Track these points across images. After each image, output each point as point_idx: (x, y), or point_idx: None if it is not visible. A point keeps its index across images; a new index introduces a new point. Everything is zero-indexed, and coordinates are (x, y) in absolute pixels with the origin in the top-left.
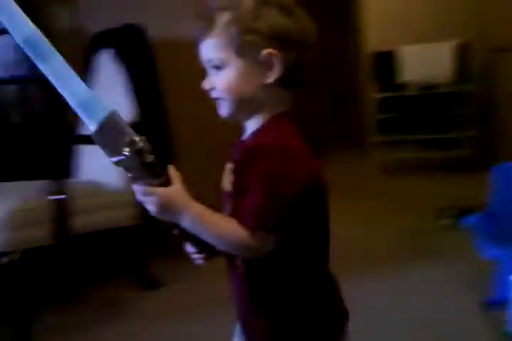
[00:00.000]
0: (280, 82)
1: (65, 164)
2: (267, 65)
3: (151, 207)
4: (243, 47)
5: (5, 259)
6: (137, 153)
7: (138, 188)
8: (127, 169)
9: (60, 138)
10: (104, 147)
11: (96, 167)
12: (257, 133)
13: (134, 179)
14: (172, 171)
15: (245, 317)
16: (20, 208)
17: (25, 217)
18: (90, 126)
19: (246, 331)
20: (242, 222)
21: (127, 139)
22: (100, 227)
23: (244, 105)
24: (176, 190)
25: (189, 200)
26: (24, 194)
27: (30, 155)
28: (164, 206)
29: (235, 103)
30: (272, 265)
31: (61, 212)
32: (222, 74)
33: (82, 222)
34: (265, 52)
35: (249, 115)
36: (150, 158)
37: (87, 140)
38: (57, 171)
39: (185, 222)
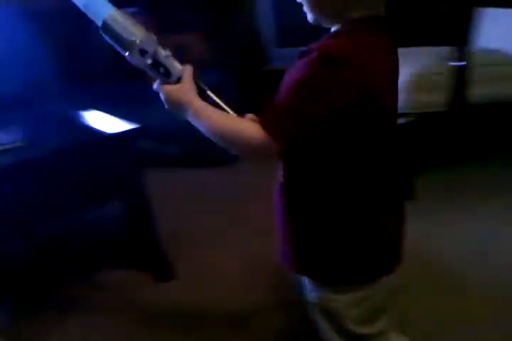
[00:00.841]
0: None
1: (465, 30)
2: None
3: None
4: None
5: (401, 120)
6: (140, 54)
7: (154, 85)
8: (137, 68)
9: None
10: (114, 45)
11: (496, 34)
12: (324, 39)
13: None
14: (185, 70)
15: (280, 230)
16: (419, 73)
17: (424, 81)
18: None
19: (281, 249)
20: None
21: (126, 41)
22: (498, 99)
23: (323, 8)
24: (180, 87)
25: (193, 97)
26: (425, 59)
27: (433, 20)
28: (170, 101)
29: (318, 5)
30: (311, 182)
31: (459, 79)
32: None
33: (479, 92)
34: None
35: (332, 20)
36: (150, 60)
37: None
38: (458, 37)
39: (189, 116)
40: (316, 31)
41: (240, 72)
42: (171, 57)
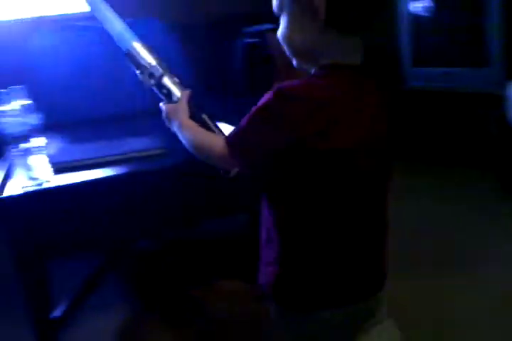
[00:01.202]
0: (331, 25)
1: None
2: (313, 7)
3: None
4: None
5: None
6: (148, 76)
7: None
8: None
9: None
10: (132, 66)
11: None
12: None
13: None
14: (184, 94)
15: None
16: None
17: None
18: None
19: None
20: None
21: (140, 65)
22: None
23: (299, 53)
24: (174, 106)
25: (182, 115)
26: None
27: None
28: (164, 116)
29: (293, 52)
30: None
31: None
32: (281, 20)
33: None
34: None
35: (309, 65)
36: (154, 82)
37: None
38: None
39: (175, 129)
40: (452, 52)
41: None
42: (176, 83)
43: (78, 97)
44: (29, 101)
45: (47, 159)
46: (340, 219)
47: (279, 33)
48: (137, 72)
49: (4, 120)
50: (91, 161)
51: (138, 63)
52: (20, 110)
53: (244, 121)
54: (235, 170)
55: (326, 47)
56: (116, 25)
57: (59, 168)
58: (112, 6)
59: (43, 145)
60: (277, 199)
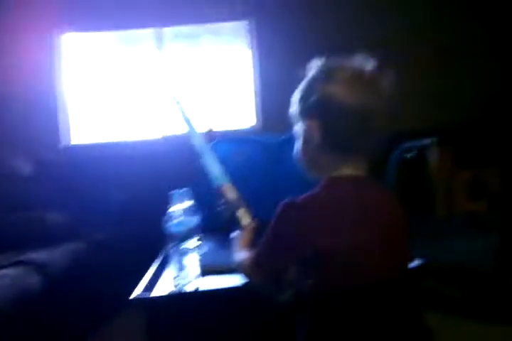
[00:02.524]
0: (327, 146)
1: None
2: (310, 131)
3: None
4: (298, 117)
5: None
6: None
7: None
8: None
9: None
10: (221, 201)
11: None
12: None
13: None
14: (247, 223)
15: None
16: None
17: None
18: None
19: None
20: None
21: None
22: None
23: (309, 168)
24: (239, 234)
25: (240, 241)
26: None
27: None
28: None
29: (304, 166)
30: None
31: None
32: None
33: None
34: (308, 123)
35: (319, 177)
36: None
37: None
38: None
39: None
40: None
41: None
42: (247, 215)
43: None
44: (192, 203)
45: (198, 260)
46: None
47: (294, 152)
48: (220, 203)
49: (171, 220)
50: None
51: (224, 198)
52: (185, 211)
53: (264, 238)
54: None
55: (325, 165)
56: (214, 168)
57: (207, 270)
58: None
59: (198, 246)
60: None
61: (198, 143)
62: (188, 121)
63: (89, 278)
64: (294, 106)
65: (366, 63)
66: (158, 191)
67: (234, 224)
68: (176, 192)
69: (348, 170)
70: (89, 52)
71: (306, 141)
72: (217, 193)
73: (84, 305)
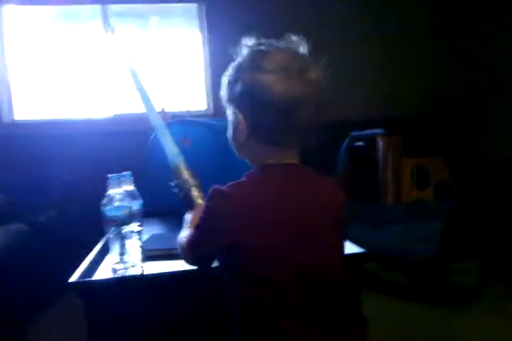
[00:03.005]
0: (255, 139)
1: None
2: (237, 122)
3: None
4: (226, 103)
5: None
6: (176, 187)
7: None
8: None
9: None
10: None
11: None
12: None
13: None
14: (199, 203)
15: None
16: None
17: None
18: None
19: None
20: None
21: (176, 179)
22: None
23: (241, 155)
24: (191, 214)
25: (190, 223)
26: None
27: None
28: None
29: (237, 152)
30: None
31: None
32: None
33: None
34: (235, 112)
35: (251, 164)
36: (183, 194)
37: None
38: None
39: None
40: None
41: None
42: (200, 197)
43: (159, 190)
44: (133, 187)
45: (140, 245)
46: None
47: (228, 137)
48: (173, 183)
49: (110, 203)
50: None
51: (176, 177)
52: (124, 195)
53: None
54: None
55: (255, 154)
56: (169, 147)
57: (149, 255)
58: None
59: (140, 230)
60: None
61: (154, 119)
62: (144, 95)
63: (28, 261)
64: (223, 90)
65: (300, 47)
66: (104, 173)
67: (187, 204)
68: (114, 176)
69: (278, 159)
70: (33, 27)
71: (235, 129)
72: (172, 173)
73: (23, 289)
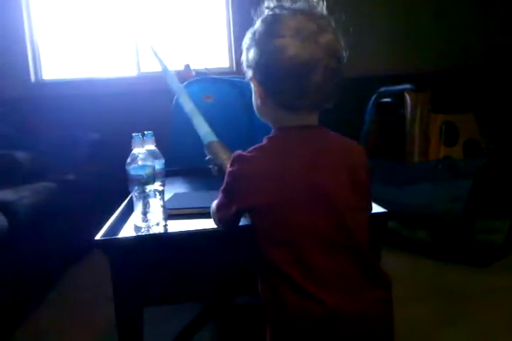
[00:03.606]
0: (271, 104)
1: None
2: (254, 87)
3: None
4: (245, 66)
5: None
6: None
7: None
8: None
9: None
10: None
11: None
12: None
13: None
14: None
15: None
16: None
17: None
18: None
19: None
20: None
21: (211, 156)
22: None
23: (261, 117)
24: None
25: None
26: None
27: None
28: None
29: (258, 115)
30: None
31: None
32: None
33: None
34: (251, 77)
35: (272, 126)
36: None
37: None
38: None
39: None
40: None
41: None
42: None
43: (192, 148)
44: (155, 147)
45: (163, 204)
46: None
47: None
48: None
49: (134, 162)
50: (198, 210)
51: (211, 153)
52: (148, 154)
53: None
54: None
55: (273, 117)
56: (201, 126)
57: (173, 214)
58: None
59: (162, 189)
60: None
61: (184, 101)
62: (171, 77)
63: (58, 218)
64: (243, 56)
65: (318, 7)
66: (130, 132)
67: (222, 178)
68: (137, 135)
69: (296, 122)
70: None
71: (254, 94)
72: (205, 150)
73: (53, 245)
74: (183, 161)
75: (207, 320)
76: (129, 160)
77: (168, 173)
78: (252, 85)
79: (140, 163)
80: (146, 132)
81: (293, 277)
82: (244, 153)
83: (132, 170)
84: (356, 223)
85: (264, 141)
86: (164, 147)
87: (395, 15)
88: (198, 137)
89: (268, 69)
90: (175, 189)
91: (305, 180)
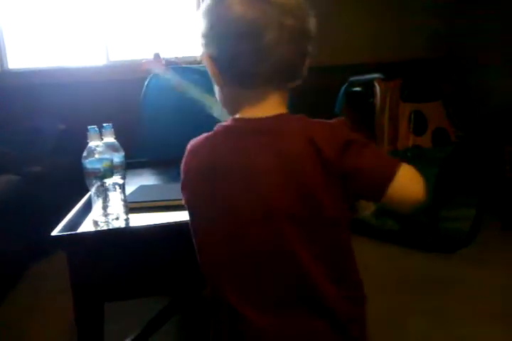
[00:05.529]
0: (230, 83)
1: None
2: (209, 67)
3: None
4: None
5: None
6: None
7: None
8: None
9: None
10: None
11: None
12: None
13: None
14: None
15: None
16: None
17: None
18: None
19: None
20: None
21: None
22: None
23: (224, 108)
24: None
25: None
26: None
27: None
28: None
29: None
30: None
31: None
32: None
33: None
34: (202, 54)
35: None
36: None
37: None
38: None
39: None
40: None
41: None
42: None
43: (164, 138)
44: (115, 140)
45: (123, 197)
46: None
47: None
48: None
49: (90, 155)
50: (163, 203)
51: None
52: (106, 147)
53: None
54: None
55: (229, 102)
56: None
57: (135, 207)
58: None
59: (123, 183)
60: None
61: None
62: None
63: (21, 212)
64: (196, 35)
65: None
66: (99, 122)
67: None
68: (93, 128)
69: (253, 105)
70: None
71: (212, 77)
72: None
73: (18, 239)
74: (153, 151)
75: (172, 315)
76: (85, 153)
77: (137, 164)
78: (206, 65)
79: (97, 156)
80: (105, 124)
81: (223, 287)
82: (193, 141)
83: (88, 163)
84: (302, 237)
85: (212, 133)
86: (134, 137)
87: (365, 5)
88: (169, 127)
89: (216, 35)
90: (143, 181)
91: (230, 183)
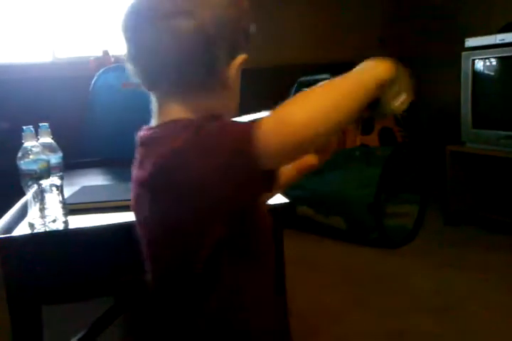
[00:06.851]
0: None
1: None
2: None
3: None
4: None
5: None
6: None
7: None
8: None
9: None
10: None
11: None
12: None
13: None
14: None
15: None
16: None
17: None
18: None
19: None
20: None
21: None
22: None
23: None
24: None
25: None
26: None
27: None
28: None
29: None
30: None
31: None
32: None
33: None
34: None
35: None
36: None
37: None
38: None
39: None
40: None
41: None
42: None
43: (111, 137)
44: (52, 140)
45: (61, 199)
46: None
47: None
48: None
49: (26, 156)
50: (105, 204)
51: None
52: (43, 147)
53: None
54: None
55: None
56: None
57: (75, 209)
58: None
59: (61, 184)
60: None
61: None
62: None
63: None
64: None
65: None
66: (44, 120)
67: None
68: (28, 128)
69: (156, 111)
70: None
71: None
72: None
73: None
74: (100, 151)
75: (118, 315)
76: (19, 154)
77: (82, 164)
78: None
79: (32, 157)
80: (41, 124)
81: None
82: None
83: (24, 164)
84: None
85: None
86: (81, 136)
87: (315, 4)
88: (116, 126)
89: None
90: (87, 181)
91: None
